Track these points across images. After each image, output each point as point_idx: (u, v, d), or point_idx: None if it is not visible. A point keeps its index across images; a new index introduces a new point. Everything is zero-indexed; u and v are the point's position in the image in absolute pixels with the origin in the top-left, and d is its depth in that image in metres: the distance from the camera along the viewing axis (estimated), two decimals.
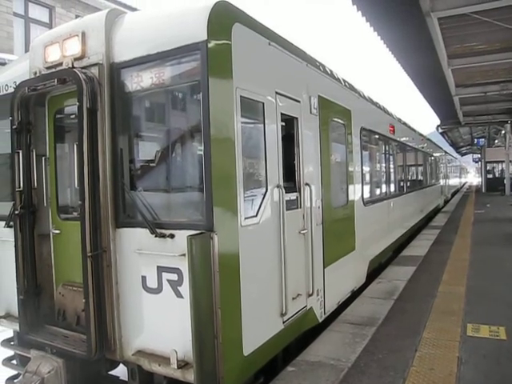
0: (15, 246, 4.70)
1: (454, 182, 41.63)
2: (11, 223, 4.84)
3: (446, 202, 28.81)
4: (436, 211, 21.99)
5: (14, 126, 4.66)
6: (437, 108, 28.37)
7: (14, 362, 5.39)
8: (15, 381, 5.23)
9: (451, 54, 15.60)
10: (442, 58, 15.36)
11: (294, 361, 5.01)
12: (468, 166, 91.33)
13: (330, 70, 6.94)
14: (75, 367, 4.48)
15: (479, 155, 50.07)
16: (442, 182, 26.51)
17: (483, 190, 41.64)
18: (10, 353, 5.45)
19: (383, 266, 10.00)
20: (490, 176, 44.37)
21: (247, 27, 4.37)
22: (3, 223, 5.05)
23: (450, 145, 54.21)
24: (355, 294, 7.54)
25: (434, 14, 11.20)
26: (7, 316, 5.25)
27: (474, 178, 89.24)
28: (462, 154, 73.20)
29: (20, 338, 5.13)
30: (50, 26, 16.00)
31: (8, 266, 4.95)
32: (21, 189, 4.67)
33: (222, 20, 4.02)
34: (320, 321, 5.93)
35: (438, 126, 34.40)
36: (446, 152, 31.34)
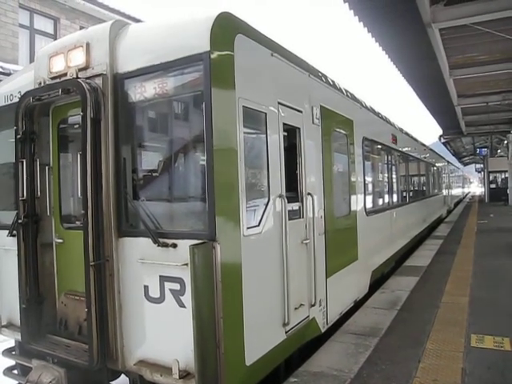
0: (18, 255, 4.71)
1: (456, 191, 41.56)
2: (14, 232, 4.85)
3: (449, 212, 28.73)
4: (439, 221, 21.93)
5: (19, 136, 4.69)
6: (439, 118, 28.44)
7: (16, 371, 5.35)
8: None
9: (452, 65, 15.69)
10: (444, 68, 15.44)
11: (297, 371, 4.97)
12: (471, 175, 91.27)
13: (332, 81, 6.97)
14: (77, 377, 4.45)
15: (482, 165, 50.00)
16: (444, 191, 26.46)
17: (486, 200, 41.54)
18: (12, 362, 5.42)
19: (386, 276, 9.96)
20: (493, 186, 44.30)
21: (250, 38, 4.40)
22: (6, 232, 5.07)
23: (453, 155, 54.20)
24: (358, 305, 7.50)
25: (435, 24, 11.28)
26: (9, 325, 5.25)
27: (476, 188, 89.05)
28: (465, 164, 73.15)
29: (21, 348, 5.12)
30: (54, 37, 16.12)
31: (11, 274, 4.96)
32: (24, 198, 4.70)
33: (225, 31, 4.06)
34: (322, 331, 5.90)
35: (441, 135, 34.45)
36: (448, 162, 31.33)
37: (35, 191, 4.78)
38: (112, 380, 4.67)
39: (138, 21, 16.61)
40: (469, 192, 75.47)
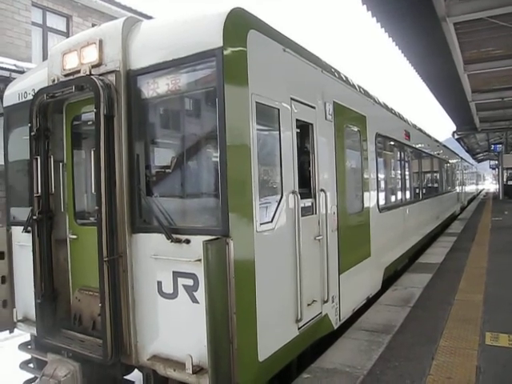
0: (33, 251, 4.77)
1: (470, 188, 41.11)
2: (29, 228, 4.91)
3: (463, 208, 28.46)
4: (452, 218, 21.73)
5: (33, 133, 4.74)
6: (453, 114, 28.08)
7: (31, 365, 5.44)
8: None
9: (467, 59, 15.48)
10: (458, 64, 15.24)
11: (309, 368, 4.98)
12: (485, 172, 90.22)
13: (345, 76, 6.92)
14: (91, 371, 4.50)
15: (496, 162, 49.34)
16: (458, 188, 26.21)
17: (501, 197, 41.03)
18: (27, 356, 5.50)
19: (399, 273, 9.90)
20: (511, 182, 43.63)
21: (262, 34, 4.38)
22: (21, 228, 5.13)
23: (467, 151, 53.53)
24: (371, 301, 7.47)
25: (450, 18, 11.14)
26: (25, 320, 5.33)
27: (490, 185, 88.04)
28: (479, 161, 72.19)
29: (37, 342, 5.19)
30: (67, 34, 16.23)
31: (26, 270, 5.02)
32: (39, 194, 4.74)
33: (238, 27, 4.04)
34: (335, 327, 5.89)
35: (454, 132, 34.03)
36: (462, 158, 31.01)
37: (49, 188, 4.82)
38: (126, 375, 4.72)
39: (149, 18, 16.65)
40: (483, 189, 74.68)
